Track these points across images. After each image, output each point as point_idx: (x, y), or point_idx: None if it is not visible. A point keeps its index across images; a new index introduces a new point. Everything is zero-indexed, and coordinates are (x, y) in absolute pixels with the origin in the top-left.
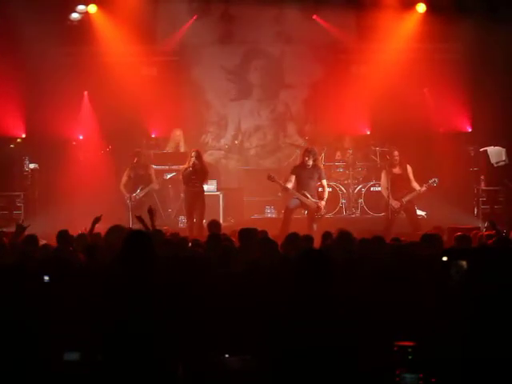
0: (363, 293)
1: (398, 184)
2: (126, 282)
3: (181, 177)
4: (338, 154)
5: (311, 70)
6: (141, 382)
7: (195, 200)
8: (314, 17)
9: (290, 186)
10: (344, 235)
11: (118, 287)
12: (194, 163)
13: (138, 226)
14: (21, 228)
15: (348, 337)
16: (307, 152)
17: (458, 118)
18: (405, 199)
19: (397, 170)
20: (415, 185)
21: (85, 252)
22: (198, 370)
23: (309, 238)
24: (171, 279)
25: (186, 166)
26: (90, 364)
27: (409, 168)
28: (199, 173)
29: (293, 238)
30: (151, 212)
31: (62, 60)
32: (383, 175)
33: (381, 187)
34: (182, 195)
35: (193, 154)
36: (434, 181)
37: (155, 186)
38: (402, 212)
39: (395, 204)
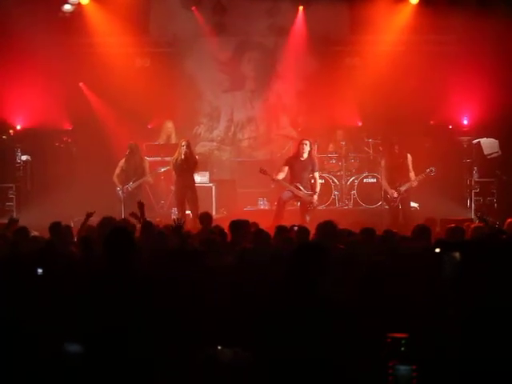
0: (355, 285)
1: (397, 173)
2: (109, 277)
3: (171, 168)
4: (331, 145)
5: (304, 61)
6: (126, 374)
7: (186, 190)
8: (301, 8)
9: (281, 177)
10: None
11: (101, 282)
12: (185, 152)
13: (130, 217)
14: (13, 221)
15: (339, 329)
16: (303, 143)
17: (450, 110)
18: (402, 188)
19: (396, 160)
20: (412, 174)
21: (78, 245)
22: (189, 362)
23: (303, 230)
24: (160, 271)
25: (176, 155)
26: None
27: (409, 157)
28: (190, 162)
29: (283, 229)
30: (141, 205)
31: (55, 51)
32: (382, 164)
33: (378, 177)
34: (173, 187)
35: (183, 143)
36: (431, 170)
37: (149, 179)
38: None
39: (392, 193)
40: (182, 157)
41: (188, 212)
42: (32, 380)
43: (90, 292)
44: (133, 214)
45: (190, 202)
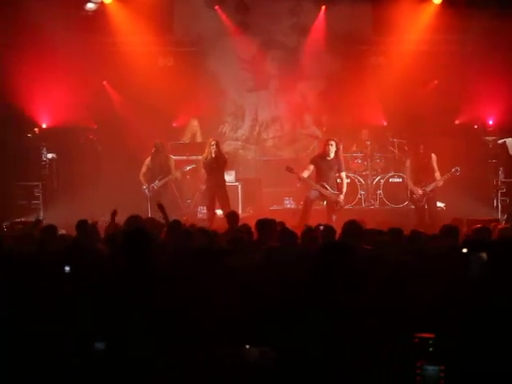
0: (382, 285)
1: (422, 173)
2: (127, 276)
3: (202, 166)
4: (356, 145)
5: (328, 61)
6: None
7: (217, 189)
8: (324, 7)
9: (306, 175)
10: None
11: (120, 281)
12: (215, 151)
13: (157, 215)
14: (38, 222)
15: (366, 329)
16: (330, 141)
17: (475, 110)
18: (428, 188)
19: (421, 160)
20: (437, 174)
21: (105, 242)
22: (216, 360)
23: (330, 230)
24: (184, 270)
25: (205, 154)
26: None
27: (434, 157)
28: (220, 161)
29: (310, 229)
30: (161, 207)
31: (78, 49)
32: (407, 164)
33: (403, 177)
34: (203, 186)
35: (212, 142)
36: (456, 169)
37: (176, 175)
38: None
39: (417, 191)
40: (213, 155)
41: (217, 211)
42: (59, 374)
43: (113, 290)
44: (160, 207)
45: (221, 200)
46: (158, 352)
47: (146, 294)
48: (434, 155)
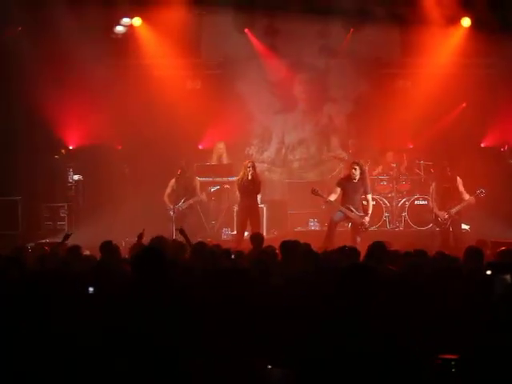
0: (405, 305)
1: (448, 196)
2: (142, 295)
3: (237, 188)
4: (381, 167)
5: (355, 83)
6: None
7: (250, 211)
8: (352, 30)
9: (333, 198)
10: (379, 247)
11: (134, 302)
12: (252, 173)
13: (180, 238)
14: (66, 237)
15: (388, 352)
16: (354, 164)
17: (501, 133)
18: (453, 210)
19: (446, 183)
20: (465, 196)
21: (130, 263)
22: (241, 380)
23: (353, 251)
24: (208, 291)
25: (241, 176)
26: None
27: (459, 180)
28: (256, 183)
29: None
30: (182, 232)
31: (106, 72)
32: (432, 187)
33: (428, 199)
34: (236, 207)
35: (249, 164)
36: (481, 191)
37: (201, 197)
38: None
39: (442, 215)
40: (249, 177)
41: (246, 233)
42: None
43: (133, 310)
44: (181, 231)
45: (254, 222)
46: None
47: (162, 312)
48: (459, 178)
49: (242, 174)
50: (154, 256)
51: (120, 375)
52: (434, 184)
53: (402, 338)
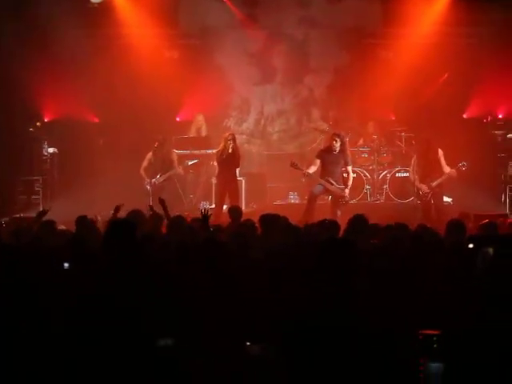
0: (386, 279)
1: (429, 168)
2: (112, 272)
3: (216, 161)
4: (362, 139)
5: (336, 54)
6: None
7: (230, 184)
8: (332, 0)
9: (312, 170)
10: (360, 221)
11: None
12: (233, 146)
13: (159, 210)
14: (42, 213)
15: (368, 327)
16: (335, 136)
17: (484, 104)
18: (434, 183)
19: (427, 155)
20: (446, 169)
21: None
22: (219, 358)
23: (333, 225)
24: (185, 265)
25: (221, 148)
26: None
27: (440, 152)
28: (236, 156)
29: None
30: (162, 202)
31: (83, 42)
32: (414, 159)
33: (409, 172)
34: (214, 180)
35: (229, 137)
36: (462, 164)
37: (178, 170)
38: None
39: (423, 188)
40: (230, 151)
41: (226, 206)
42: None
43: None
44: (161, 202)
45: (233, 196)
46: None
47: (136, 289)
48: (440, 150)
49: (221, 146)
50: (126, 230)
51: (95, 352)
52: (415, 156)
53: (382, 312)
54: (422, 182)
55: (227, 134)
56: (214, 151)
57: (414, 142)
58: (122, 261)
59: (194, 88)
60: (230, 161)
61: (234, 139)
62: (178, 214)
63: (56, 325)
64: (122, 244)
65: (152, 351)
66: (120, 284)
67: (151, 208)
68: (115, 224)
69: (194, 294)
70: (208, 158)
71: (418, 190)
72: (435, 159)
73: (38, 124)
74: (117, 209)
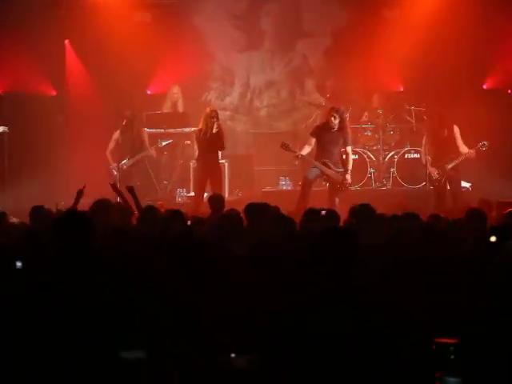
0: (392, 277)
1: (443, 148)
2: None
3: (196, 141)
4: (366, 114)
5: (334, 14)
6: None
7: (212, 169)
8: None
9: (306, 151)
10: (367, 211)
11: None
12: (218, 125)
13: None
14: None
15: (372, 330)
16: (333, 111)
17: (508, 72)
18: (449, 165)
19: (441, 133)
20: (463, 149)
21: None
22: (199, 371)
23: (332, 215)
24: (159, 263)
25: (203, 128)
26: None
27: (456, 129)
28: (220, 138)
29: (313, 214)
30: (131, 190)
31: (37, 4)
32: (425, 138)
33: (420, 153)
34: (193, 164)
35: (213, 114)
36: (483, 144)
37: (150, 152)
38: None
39: (436, 171)
40: (214, 131)
41: (206, 195)
42: None
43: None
44: (130, 190)
45: (215, 183)
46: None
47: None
48: (456, 127)
49: (203, 125)
50: (77, 222)
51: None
52: (426, 134)
53: (387, 312)
54: (435, 164)
55: (209, 109)
56: (193, 130)
57: (425, 118)
58: (72, 256)
59: (168, 56)
60: (213, 142)
61: (218, 117)
62: (149, 203)
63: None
64: (73, 240)
65: (116, 360)
66: (70, 279)
67: (130, 190)
68: (65, 216)
69: (166, 296)
70: (185, 138)
71: (431, 173)
72: (450, 137)
73: None
74: (78, 194)
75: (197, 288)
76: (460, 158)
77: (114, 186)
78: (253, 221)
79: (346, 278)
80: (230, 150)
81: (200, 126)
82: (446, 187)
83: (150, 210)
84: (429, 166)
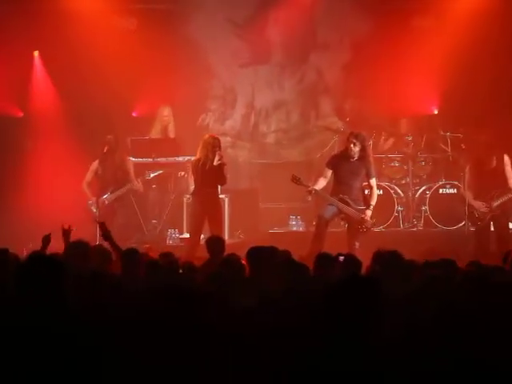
0: (423, 340)
1: (489, 182)
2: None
3: (192, 173)
4: (392, 141)
5: (354, 23)
6: None
7: (211, 206)
8: None
9: (322, 185)
10: (394, 258)
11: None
12: (220, 156)
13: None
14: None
15: None
16: (352, 137)
17: None
18: (495, 203)
19: (488, 164)
20: (511, 183)
21: None
22: None
23: (352, 261)
24: (142, 322)
25: (202, 158)
26: None
27: (506, 159)
28: (222, 170)
29: (328, 260)
30: (102, 227)
31: (5, 9)
32: (467, 171)
33: (463, 188)
34: (188, 198)
35: (215, 142)
36: None
37: (136, 185)
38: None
39: (481, 206)
40: (215, 163)
41: (202, 236)
42: None
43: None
44: (102, 228)
45: (214, 222)
46: None
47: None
48: (506, 156)
49: (202, 154)
50: (45, 266)
51: None
52: (469, 165)
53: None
54: (477, 199)
55: (209, 136)
56: (187, 159)
57: (463, 146)
58: (37, 309)
59: (157, 71)
60: (213, 175)
61: (220, 145)
62: (133, 245)
63: None
64: (40, 287)
65: None
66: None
67: (101, 226)
68: (28, 262)
69: (147, 361)
70: (177, 169)
71: (472, 210)
72: (498, 170)
73: None
74: (45, 240)
75: (185, 355)
76: (509, 195)
77: (102, 226)
78: (257, 268)
79: (366, 336)
80: (231, 183)
81: (198, 156)
82: (489, 228)
83: (131, 253)
84: (472, 201)
